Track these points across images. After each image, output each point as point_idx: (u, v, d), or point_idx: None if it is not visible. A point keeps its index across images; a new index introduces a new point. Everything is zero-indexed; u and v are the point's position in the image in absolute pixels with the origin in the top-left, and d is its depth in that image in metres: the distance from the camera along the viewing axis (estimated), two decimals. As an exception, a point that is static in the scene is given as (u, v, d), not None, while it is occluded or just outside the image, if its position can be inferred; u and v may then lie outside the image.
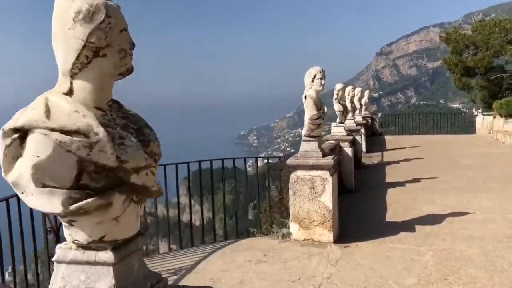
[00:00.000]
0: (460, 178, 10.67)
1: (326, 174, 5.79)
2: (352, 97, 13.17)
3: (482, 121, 21.71)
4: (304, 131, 6.02)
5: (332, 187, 5.79)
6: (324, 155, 5.95)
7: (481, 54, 21.39)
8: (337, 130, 9.53)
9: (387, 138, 21.32)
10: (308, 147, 5.94)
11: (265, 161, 8.24)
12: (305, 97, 5.86)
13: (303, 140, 6.03)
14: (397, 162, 13.56)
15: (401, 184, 10.12)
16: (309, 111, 5.79)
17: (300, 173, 5.89)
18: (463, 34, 22.97)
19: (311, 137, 5.93)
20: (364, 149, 15.48)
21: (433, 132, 24.15)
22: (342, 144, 9.31)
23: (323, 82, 5.87)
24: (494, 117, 20.57)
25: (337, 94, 9.81)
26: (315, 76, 5.85)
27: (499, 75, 22.17)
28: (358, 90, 16.22)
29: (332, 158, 5.83)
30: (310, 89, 5.88)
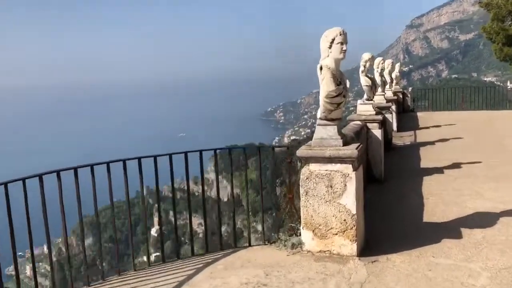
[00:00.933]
0: (510, 163, 9.11)
1: (348, 168, 4.46)
2: (382, 70, 11.61)
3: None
4: (319, 113, 4.68)
5: (356, 185, 4.46)
6: (346, 143, 4.61)
7: (527, 20, 19.18)
8: (364, 109, 8.09)
9: (420, 114, 19.61)
10: (325, 133, 4.61)
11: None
12: (320, 68, 4.49)
13: (318, 124, 4.69)
14: (432, 143, 12.03)
15: (439, 170, 8.66)
16: (326, 86, 4.42)
17: (314, 167, 4.58)
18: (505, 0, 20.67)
19: (328, 120, 4.59)
20: (395, 127, 13.96)
21: (469, 108, 22.24)
22: (370, 126, 7.90)
23: (344, 48, 4.49)
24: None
25: (364, 66, 8.33)
26: (333, 40, 4.47)
27: (546, 44, 19.91)
28: (388, 62, 14.58)
29: (357, 148, 4.47)
30: (327, 57, 4.50)
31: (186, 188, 5.75)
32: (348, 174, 4.46)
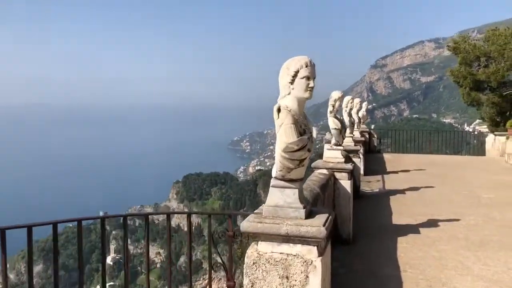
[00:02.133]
0: (491, 223, 8.09)
1: (311, 252, 3.16)
2: (351, 109, 10.57)
3: (493, 142, 19.26)
4: (274, 171, 3.40)
5: (322, 276, 3.15)
6: (309, 214, 3.32)
7: (495, 66, 18.93)
8: (333, 155, 6.88)
9: (386, 156, 18.79)
10: (282, 198, 3.32)
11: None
12: (278, 110, 3.23)
13: (273, 186, 3.39)
14: (402, 192, 10.98)
15: (414, 229, 7.51)
16: (285, 136, 3.15)
17: (264, 247, 3.25)
18: (473, 44, 20.54)
19: (286, 180, 3.30)
20: (362, 171, 12.92)
21: (433, 150, 21.82)
22: (338, 175, 6.67)
23: (311, 85, 3.28)
24: (508, 138, 18.11)
25: (333, 106, 7.17)
26: (297, 72, 3.25)
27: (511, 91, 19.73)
28: (356, 101, 13.67)
29: (325, 224, 3.18)
30: (288, 96, 3.27)
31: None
32: (312, 262, 3.15)
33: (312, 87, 3.27)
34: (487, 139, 19.78)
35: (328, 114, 7.53)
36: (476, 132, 27.79)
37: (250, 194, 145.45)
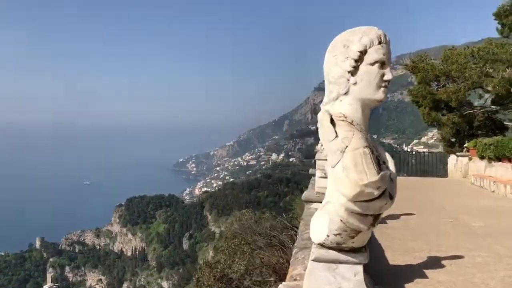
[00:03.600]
0: (500, 260, 6.96)
1: None
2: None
3: (456, 163, 18.80)
4: (315, 233, 1.88)
5: None
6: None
7: (455, 85, 18.62)
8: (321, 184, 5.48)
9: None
10: (333, 284, 1.79)
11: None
12: (331, 121, 1.74)
13: (316, 260, 1.86)
14: (383, 222, 9.78)
15: (418, 272, 6.17)
16: (354, 172, 1.66)
17: None
18: (431, 64, 20.26)
19: (345, 251, 1.78)
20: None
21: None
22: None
23: (387, 77, 1.77)
24: (470, 159, 17.68)
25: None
26: (363, 54, 1.75)
27: (471, 111, 19.51)
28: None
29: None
30: (344, 98, 1.77)
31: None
32: None
33: (389, 81, 1.82)
34: (449, 160, 19.33)
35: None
36: (414, 153, 27.82)
37: (197, 216, 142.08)
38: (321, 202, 5.18)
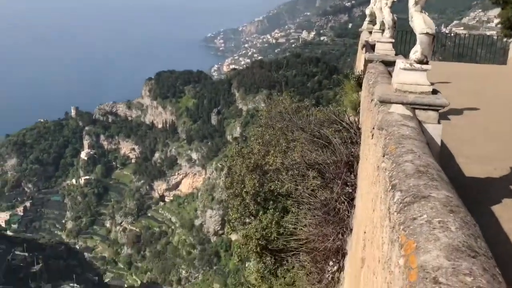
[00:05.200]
0: None
1: None
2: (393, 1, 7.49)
3: (518, 49, 16.59)
4: None
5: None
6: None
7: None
8: (412, 79, 4.08)
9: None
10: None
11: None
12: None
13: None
14: (445, 118, 8.43)
15: (504, 190, 5.04)
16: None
17: None
18: None
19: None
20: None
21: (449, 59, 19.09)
22: (422, 116, 3.94)
23: None
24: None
25: None
26: None
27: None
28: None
29: None
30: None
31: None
32: None
33: None
34: (511, 45, 17.05)
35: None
36: (452, 34, 25.18)
37: (225, 93, 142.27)
38: (402, 103, 3.84)
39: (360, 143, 6.19)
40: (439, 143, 4.00)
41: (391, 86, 4.13)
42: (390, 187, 2.68)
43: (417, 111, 3.95)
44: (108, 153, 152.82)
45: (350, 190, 6.06)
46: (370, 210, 3.73)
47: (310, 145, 7.22)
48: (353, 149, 6.28)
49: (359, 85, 8.85)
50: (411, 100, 3.94)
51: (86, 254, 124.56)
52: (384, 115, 3.69)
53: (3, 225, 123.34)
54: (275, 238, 8.35)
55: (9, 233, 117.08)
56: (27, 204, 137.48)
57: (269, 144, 9.81)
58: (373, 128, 4.11)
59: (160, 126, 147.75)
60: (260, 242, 8.62)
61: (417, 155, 2.95)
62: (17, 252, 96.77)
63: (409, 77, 4.07)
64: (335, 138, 6.87)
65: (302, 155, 7.50)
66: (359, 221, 4.82)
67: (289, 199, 8.39)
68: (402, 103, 3.88)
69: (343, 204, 6.03)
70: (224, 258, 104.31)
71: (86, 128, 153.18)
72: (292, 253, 7.30)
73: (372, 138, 4.13)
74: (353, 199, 6.02)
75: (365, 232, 4.01)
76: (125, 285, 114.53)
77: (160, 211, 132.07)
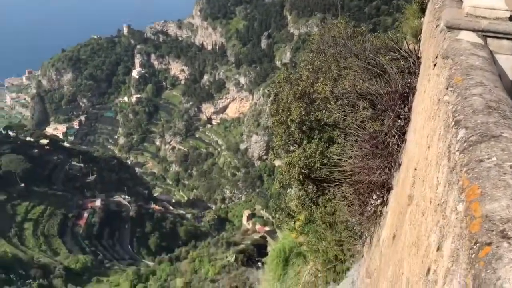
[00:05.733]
0: None
1: None
2: None
3: None
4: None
5: None
6: None
7: None
8: (487, 3, 3.55)
9: None
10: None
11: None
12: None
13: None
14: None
15: None
16: None
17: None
18: None
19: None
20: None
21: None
22: (493, 46, 3.47)
23: None
24: None
25: None
26: None
27: None
28: None
29: None
30: None
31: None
32: None
33: None
34: None
35: None
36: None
37: (276, 16, 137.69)
38: (474, 30, 3.38)
39: (418, 73, 5.73)
40: (511, 78, 3.55)
41: (461, 10, 3.63)
42: (453, 123, 2.38)
43: (488, 40, 3.48)
44: (158, 73, 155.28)
45: (402, 124, 5.72)
46: (424, 147, 3.45)
47: (363, 73, 6.79)
48: (410, 80, 5.84)
49: (422, 10, 8.10)
50: (483, 27, 3.44)
51: (137, 168, 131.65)
52: (451, 42, 3.26)
53: (61, 136, 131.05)
54: (318, 168, 8.22)
55: (66, 144, 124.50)
56: (82, 118, 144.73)
57: (319, 71, 9.38)
58: (436, 57, 3.69)
59: (209, 47, 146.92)
60: (303, 170, 8.54)
61: (488, 88, 2.59)
62: (73, 163, 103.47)
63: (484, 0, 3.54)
64: (391, 67, 6.41)
65: (354, 83, 7.11)
66: (410, 156, 4.55)
67: (335, 130, 8.13)
68: (474, 30, 3.41)
69: (393, 138, 5.73)
70: (267, 182, 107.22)
71: (138, 46, 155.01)
72: (335, 184, 7.18)
73: (434, 68, 3.74)
74: (404, 133, 5.69)
75: (415, 169, 3.76)
76: (173, 200, 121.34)
77: (207, 133, 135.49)
